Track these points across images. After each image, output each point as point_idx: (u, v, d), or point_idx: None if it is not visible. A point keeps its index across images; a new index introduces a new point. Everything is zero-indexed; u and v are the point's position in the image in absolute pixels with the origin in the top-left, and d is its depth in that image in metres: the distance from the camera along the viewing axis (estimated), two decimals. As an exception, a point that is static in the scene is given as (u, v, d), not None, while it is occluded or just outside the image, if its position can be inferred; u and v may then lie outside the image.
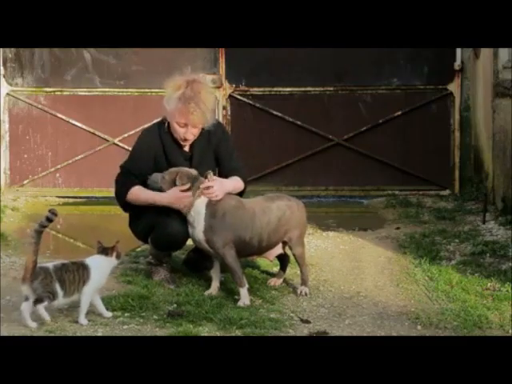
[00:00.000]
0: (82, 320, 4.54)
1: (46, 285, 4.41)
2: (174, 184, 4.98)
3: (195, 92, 5.12)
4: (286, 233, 5.20)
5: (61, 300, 4.48)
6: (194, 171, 5.07)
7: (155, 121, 5.45)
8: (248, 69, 8.81)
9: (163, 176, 5.04)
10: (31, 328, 4.41)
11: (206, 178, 5.04)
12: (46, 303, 4.42)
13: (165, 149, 5.26)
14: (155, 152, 5.25)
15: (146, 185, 5.15)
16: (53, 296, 4.43)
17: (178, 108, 5.12)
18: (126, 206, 5.26)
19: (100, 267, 4.60)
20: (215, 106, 5.28)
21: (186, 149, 5.31)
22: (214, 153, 5.35)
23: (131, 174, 5.21)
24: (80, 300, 4.54)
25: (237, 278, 4.98)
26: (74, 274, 4.49)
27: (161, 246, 5.31)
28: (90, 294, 4.55)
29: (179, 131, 5.20)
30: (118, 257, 4.67)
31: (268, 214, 5.11)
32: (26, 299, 4.43)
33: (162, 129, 5.28)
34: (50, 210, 4.42)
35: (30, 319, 4.44)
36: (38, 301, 4.42)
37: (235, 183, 5.24)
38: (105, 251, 4.63)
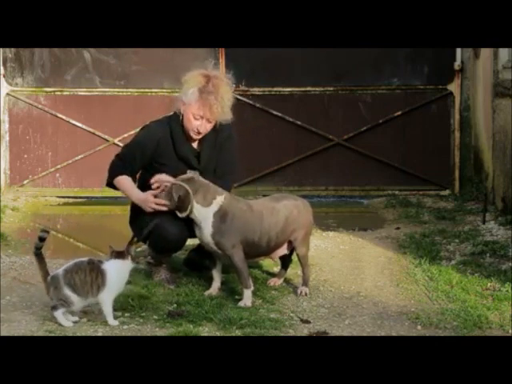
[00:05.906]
0: (112, 322, 4.51)
1: (57, 293, 4.45)
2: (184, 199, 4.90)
3: (215, 87, 5.17)
4: (293, 232, 5.19)
5: (78, 303, 4.47)
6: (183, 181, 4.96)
7: (165, 115, 5.44)
8: (248, 69, 8.81)
9: (169, 192, 4.91)
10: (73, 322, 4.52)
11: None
12: (61, 310, 4.47)
13: (174, 142, 5.26)
14: (162, 144, 5.25)
15: (146, 170, 5.26)
16: (65, 301, 4.44)
17: (198, 100, 5.14)
18: (111, 185, 5.38)
19: (117, 272, 4.53)
20: (232, 102, 5.29)
21: (195, 145, 5.32)
22: (218, 151, 5.35)
23: (126, 160, 5.30)
24: (101, 308, 4.51)
25: (243, 280, 4.97)
26: (86, 274, 4.45)
27: (159, 250, 5.30)
28: (109, 300, 4.51)
29: (194, 123, 5.20)
30: (133, 259, 4.61)
31: (275, 214, 5.10)
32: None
33: (174, 122, 5.28)
34: (41, 230, 4.53)
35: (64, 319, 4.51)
36: (53, 308, 4.49)
37: None
38: (120, 255, 4.56)
